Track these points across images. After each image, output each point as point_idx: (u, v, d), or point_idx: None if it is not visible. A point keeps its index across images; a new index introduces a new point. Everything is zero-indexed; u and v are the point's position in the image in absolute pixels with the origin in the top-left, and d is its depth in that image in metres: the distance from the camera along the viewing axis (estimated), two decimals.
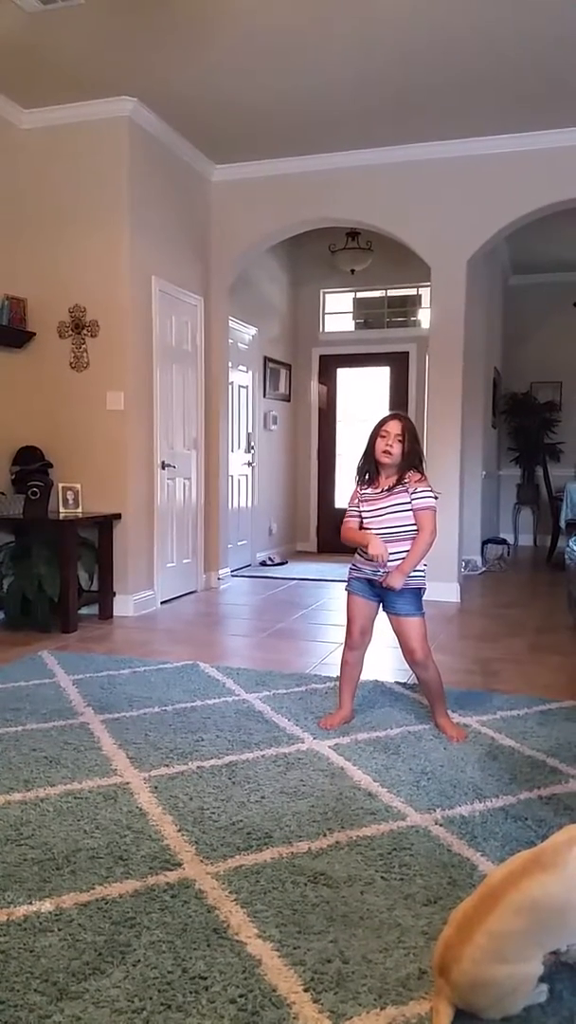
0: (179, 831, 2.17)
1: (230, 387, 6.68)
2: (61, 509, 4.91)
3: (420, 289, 8.14)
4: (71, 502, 4.95)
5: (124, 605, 5.13)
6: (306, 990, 1.56)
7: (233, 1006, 1.51)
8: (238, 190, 5.95)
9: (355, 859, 2.07)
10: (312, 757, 2.72)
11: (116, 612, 5.10)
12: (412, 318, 8.36)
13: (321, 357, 8.59)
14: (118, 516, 5.05)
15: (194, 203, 5.79)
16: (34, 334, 5.11)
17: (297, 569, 7.31)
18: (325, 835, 2.19)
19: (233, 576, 6.73)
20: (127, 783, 2.48)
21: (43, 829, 2.17)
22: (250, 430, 7.50)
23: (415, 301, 8.32)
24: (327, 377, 8.63)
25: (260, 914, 1.80)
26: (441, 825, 2.24)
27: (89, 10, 3.89)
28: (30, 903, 1.81)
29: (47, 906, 1.79)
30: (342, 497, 8.67)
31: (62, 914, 1.77)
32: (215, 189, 6.00)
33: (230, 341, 6.51)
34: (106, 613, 5.04)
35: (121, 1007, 1.49)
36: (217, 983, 1.57)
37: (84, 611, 4.92)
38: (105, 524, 5.01)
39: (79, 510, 4.95)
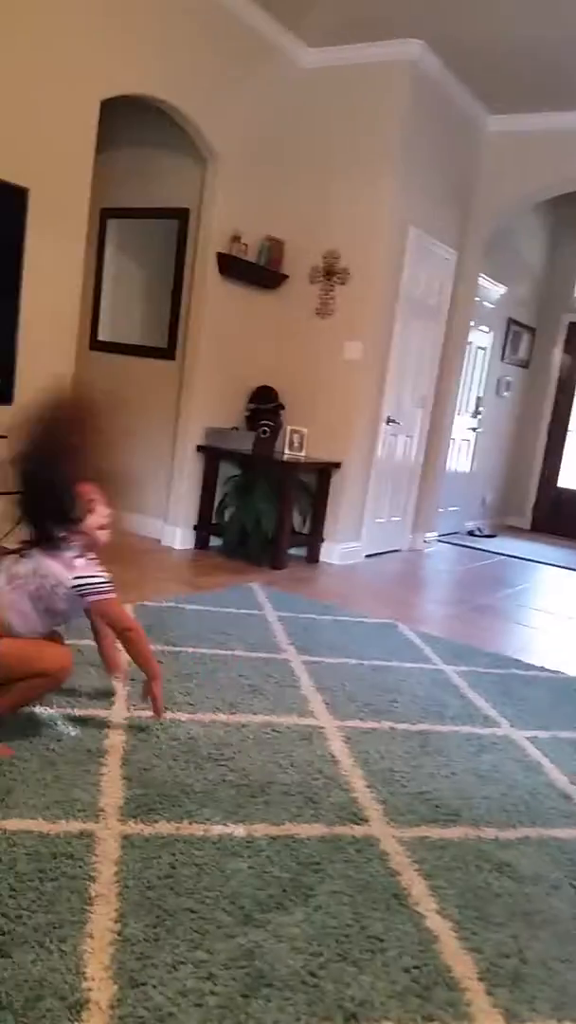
0: (368, 787, 2.19)
1: (468, 347, 6.47)
2: (286, 451, 5.04)
3: None
4: (296, 445, 5.06)
5: (330, 552, 5.21)
6: (481, 980, 1.53)
7: (407, 976, 1.51)
8: (512, 142, 5.64)
9: (543, 858, 1.99)
10: (507, 744, 2.64)
11: (322, 558, 5.20)
12: None
13: (571, 324, 8.07)
14: (338, 465, 5.10)
15: (462, 154, 5.56)
16: (287, 277, 5.20)
17: (507, 545, 7.06)
18: (515, 827, 2.12)
19: (439, 541, 6.63)
20: (322, 727, 2.54)
21: (242, 755, 2.27)
22: (480, 394, 7.25)
23: None
24: (574, 346, 8.12)
25: (441, 890, 1.79)
26: None
27: None
28: (225, 825, 1.90)
29: (240, 831, 1.88)
30: (568, 476, 8.22)
31: (253, 842, 1.85)
32: (488, 140, 5.73)
33: (476, 299, 6.28)
34: (313, 557, 5.16)
35: (300, 947, 1.53)
36: (393, 948, 1.58)
37: (292, 552, 5.05)
38: (325, 471, 5.09)
39: (303, 454, 5.06)
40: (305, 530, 5.20)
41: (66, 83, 3.67)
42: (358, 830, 1.97)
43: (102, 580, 2.11)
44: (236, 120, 4.68)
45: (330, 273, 5.07)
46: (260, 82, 4.82)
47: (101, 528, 2.13)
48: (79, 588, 2.08)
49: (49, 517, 2.05)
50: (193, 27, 4.26)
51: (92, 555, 2.13)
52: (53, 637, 2.22)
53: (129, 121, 4.70)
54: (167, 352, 4.98)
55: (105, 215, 5.13)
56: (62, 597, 2.09)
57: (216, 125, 4.55)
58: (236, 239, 4.80)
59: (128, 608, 3.45)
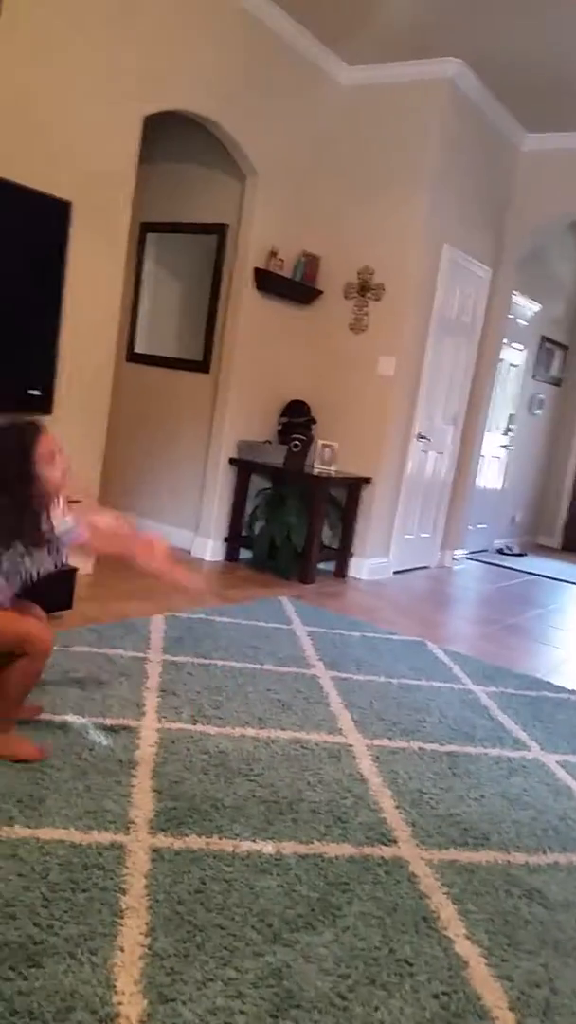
0: (397, 808, 2.18)
1: (500, 364, 6.45)
2: (317, 465, 5.04)
3: None
4: (327, 459, 5.06)
5: (359, 567, 5.21)
6: (511, 1009, 1.52)
7: (436, 1001, 1.50)
8: (548, 160, 5.63)
9: (574, 885, 1.97)
10: (537, 768, 2.61)
11: (350, 573, 5.19)
12: None
13: None
14: (368, 480, 5.10)
15: (498, 171, 5.56)
16: (321, 292, 5.22)
17: (536, 564, 6.99)
18: (544, 852, 2.10)
19: (468, 559, 6.59)
20: (351, 745, 2.53)
21: (271, 771, 2.27)
22: (512, 412, 7.22)
23: None
24: None
25: (471, 915, 1.77)
26: None
27: None
28: (254, 841, 1.90)
29: (269, 848, 1.88)
30: None
31: (282, 860, 1.85)
32: (523, 158, 5.72)
33: (509, 316, 6.27)
34: (341, 572, 5.15)
35: (328, 968, 1.53)
36: (422, 972, 1.57)
37: (321, 566, 5.05)
38: (355, 485, 5.09)
39: (333, 468, 5.06)
40: (334, 544, 5.20)
41: (110, 99, 3.73)
42: (387, 851, 1.97)
43: (69, 525, 2.10)
44: (275, 137, 4.72)
45: (364, 289, 5.08)
46: (300, 100, 4.87)
47: (62, 478, 2.11)
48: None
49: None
50: (235, 45, 4.32)
51: (56, 504, 2.12)
52: (32, 613, 2.20)
53: (170, 136, 4.76)
54: (202, 365, 5.02)
55: (145, 229, 5.20)
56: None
57: (256, 142, 4.60)
58: (273, 255, 4.83)
59: (159, 619, 3.47)
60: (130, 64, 3.79)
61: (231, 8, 4.26)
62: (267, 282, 4.84)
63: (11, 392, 3.36)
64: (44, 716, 2.36)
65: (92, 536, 2.18)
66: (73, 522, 2.13)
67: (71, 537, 2.13)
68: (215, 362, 4.96)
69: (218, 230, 4.91)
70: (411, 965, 1.58)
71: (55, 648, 2.88)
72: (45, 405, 3.48)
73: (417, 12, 4.26)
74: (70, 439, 3.68)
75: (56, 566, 2.18)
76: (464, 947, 1.67)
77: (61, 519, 2.11)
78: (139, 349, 5.35)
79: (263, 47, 4.50)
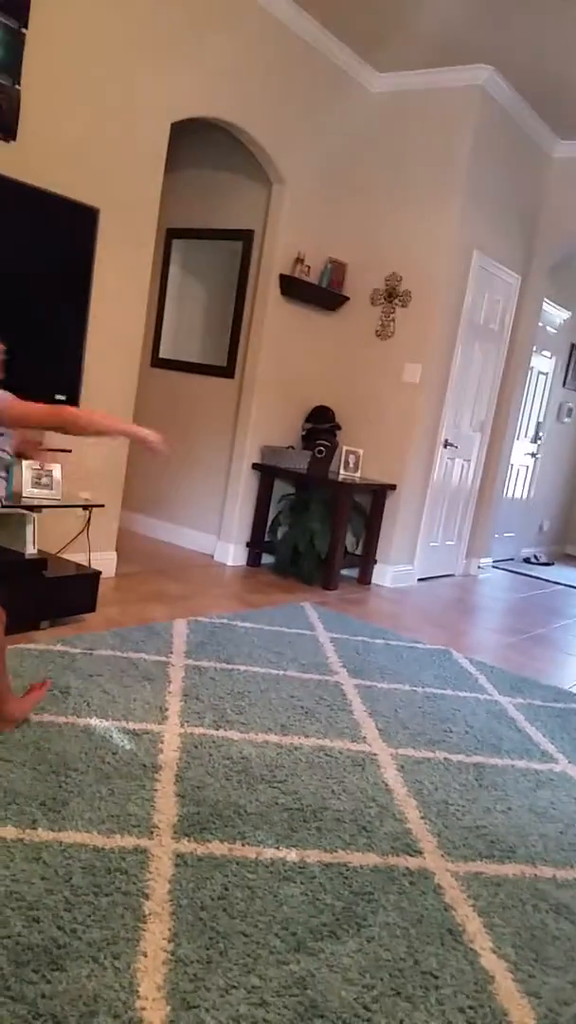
0: (422, 818, 2.16)
1: (529, 372, 6.40)
2: (341, 471, 5.03)
3: None
4: (351, 465, 5.04)
5: (382, 574, 5.17)
6: None
7: (462, 1016, 1.47)
8: None
9: None
10: (565, 781, 2.57)
11: (374, 579, 5.16)
12: None
13: None
14: (393, 487, 5.07)
15: (529, 178, 5.53)
16: (348, 299, 5.22)
17: (564, 574, 6.92)
18: (572, 866, 2.06)
19: (493, 567, 6.53)
20: (375, 754, 2.51)
21: (294, 778, 2.25)
22: (540, 420, 7.16)
23: None
24: None
25: (497, 928, 1.74)
26: None
27: None
28: (277, 848, 1.88)
29: (292, 856, 1.86)
30: None
31: (306, 868, 1.82)
32: (555, 165, 5.68)
33: (539, 324, 6.22)
34: (365, 578, 5.13)
35: (352, 978, 1.51)
36: (448, 986, 1.54)
37: (344, 572, 5.03)
38: (380, 492, 5.06)
39: (358, 475, 5.04)
40: (358, 551, 5.18)
41: (137, 106, 3.75)
42: (412, 862, 1.94)
43: None
44: (304, 144, 4.72)
45: (391, 295, 5.07)
46: (328, 106, 4.87)
47: None
48: None
49: None
50: (263, 51, 4.33)
51: None
52: None
53: (197, 142, 4.79)
54: (226, 371, 5.02)
55: (171, 235, 5.22)
56: None
57: (284, 149, 4.60)
58: (299, 261, 4.83)
59: (181, 624, 3.47)
60: (158, 71, 3.81)
61: (260, 15, 4.27)
62: (293, 288, 4.84)
63: (38, 397, 3.37)
64: (67, 719, 2.36)
65: (12, 403, 2.03)
66: None
67: None
68: (239, 367, 4.97)
69: (244, 236, 4.92)
70: (436, 978, 1.55)
71: (77, 651, 2.89)
72: None
73: (448, 19, 4.24)
74: (95, 443, 3.70)
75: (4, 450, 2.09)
76: (490, 961, 1.63)
77: None
78: (164, 354, 5.37)
79: (292, 54, 4.51)
